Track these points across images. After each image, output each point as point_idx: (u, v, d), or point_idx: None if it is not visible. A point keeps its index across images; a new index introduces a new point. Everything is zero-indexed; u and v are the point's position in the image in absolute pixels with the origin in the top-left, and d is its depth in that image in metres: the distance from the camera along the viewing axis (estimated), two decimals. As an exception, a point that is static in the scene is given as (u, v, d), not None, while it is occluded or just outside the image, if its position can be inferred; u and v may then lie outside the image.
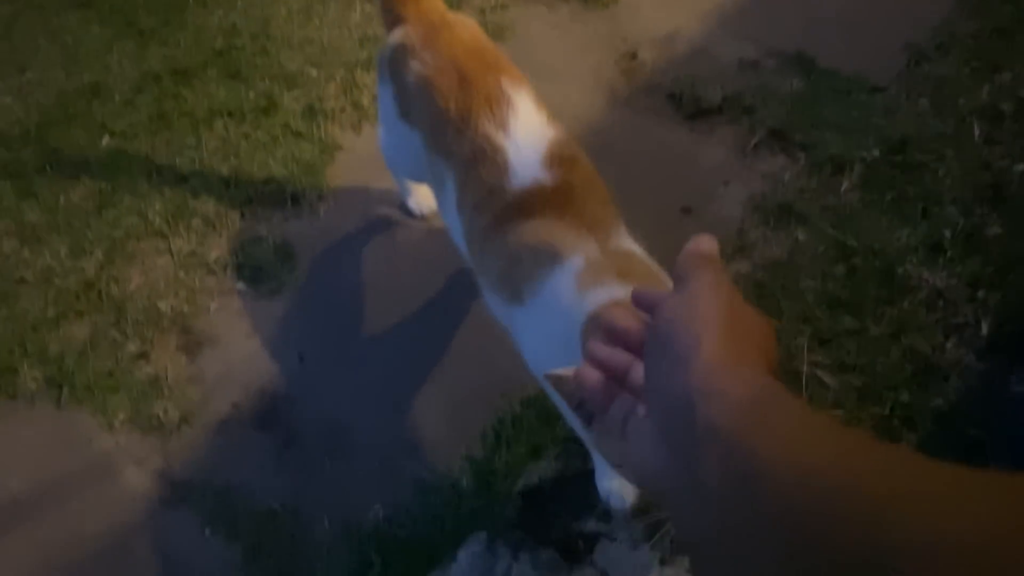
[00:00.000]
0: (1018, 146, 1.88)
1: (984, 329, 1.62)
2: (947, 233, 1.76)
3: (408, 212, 2.03)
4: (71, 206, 2.17)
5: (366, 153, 2.21)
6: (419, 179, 1.93)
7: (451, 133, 1.35)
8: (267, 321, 1.92)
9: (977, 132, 1.92)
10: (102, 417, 1.79)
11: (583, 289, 1.10)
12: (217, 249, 2.05)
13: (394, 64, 1.52)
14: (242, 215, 2.11)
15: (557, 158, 1.28)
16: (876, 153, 1.94)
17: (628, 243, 1.23)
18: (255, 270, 2.00)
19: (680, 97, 2.17)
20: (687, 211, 1.93)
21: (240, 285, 1.99)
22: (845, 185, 1.90)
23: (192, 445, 1.75)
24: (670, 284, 1.12)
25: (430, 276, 1.92)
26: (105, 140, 2.34)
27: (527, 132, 1.31)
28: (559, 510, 1.53)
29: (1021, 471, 0.33)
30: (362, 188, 2.13)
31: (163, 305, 1.95)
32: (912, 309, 1.67)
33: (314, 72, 2.40)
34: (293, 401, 1.78)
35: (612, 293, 1.05)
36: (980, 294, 1.66)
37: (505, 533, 1.49)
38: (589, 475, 1.52)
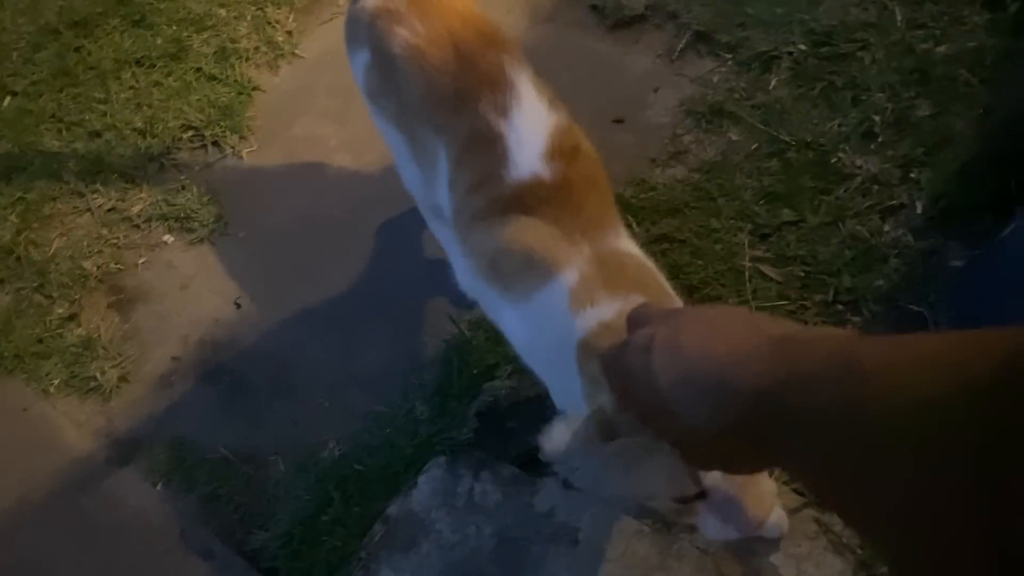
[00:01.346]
0: (940, 28, 1.89)
1: (919, 208, 1.63)
2: (877, 119, 1.76)
3: None
4: (-23, 172, 2.06)
5: (286, 91, 2.13)
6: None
7: (445, 110, 1.26)
8: (199, 270, 1.85)
9: (899, 18, 1.92)
10: (36, 384, 1.73)
11: (575, 309, 1.09)
12: (139, 203, 1.97)
13: (375, 30, 1.37)
14: (161, 165, 2.03)
15: (558, 150, 1.20)
16: (802, 47, 1.92)
17: (624, 243, 1.19)
18: (181, 220, 1.92)
19: (603, 8, 2.13)
20: (619, 121, 1.89)
21: (167, 237, 1.91)
22: (774, 81, 1.89)
23: (135, 403, 1.69)
24: (663, 283, 1.12)
25: (362, 212, 1.87)
26: (7, 101, 2.22)
27: (529, 122, 1.22)
28: (516, 426, 1.51)
29: None
30: (285, 127, 2.06)
31: (88, 265, 1.87)
32: (848, 196, 1.68)
33: (223, 12, 2.29)
34: (234, 348, 1.73)
35: (601, 315, 1.06)
36: (913, 174, 1.67)
37: (465, 454, 1.47)
38: (544, 389, 1.51)
